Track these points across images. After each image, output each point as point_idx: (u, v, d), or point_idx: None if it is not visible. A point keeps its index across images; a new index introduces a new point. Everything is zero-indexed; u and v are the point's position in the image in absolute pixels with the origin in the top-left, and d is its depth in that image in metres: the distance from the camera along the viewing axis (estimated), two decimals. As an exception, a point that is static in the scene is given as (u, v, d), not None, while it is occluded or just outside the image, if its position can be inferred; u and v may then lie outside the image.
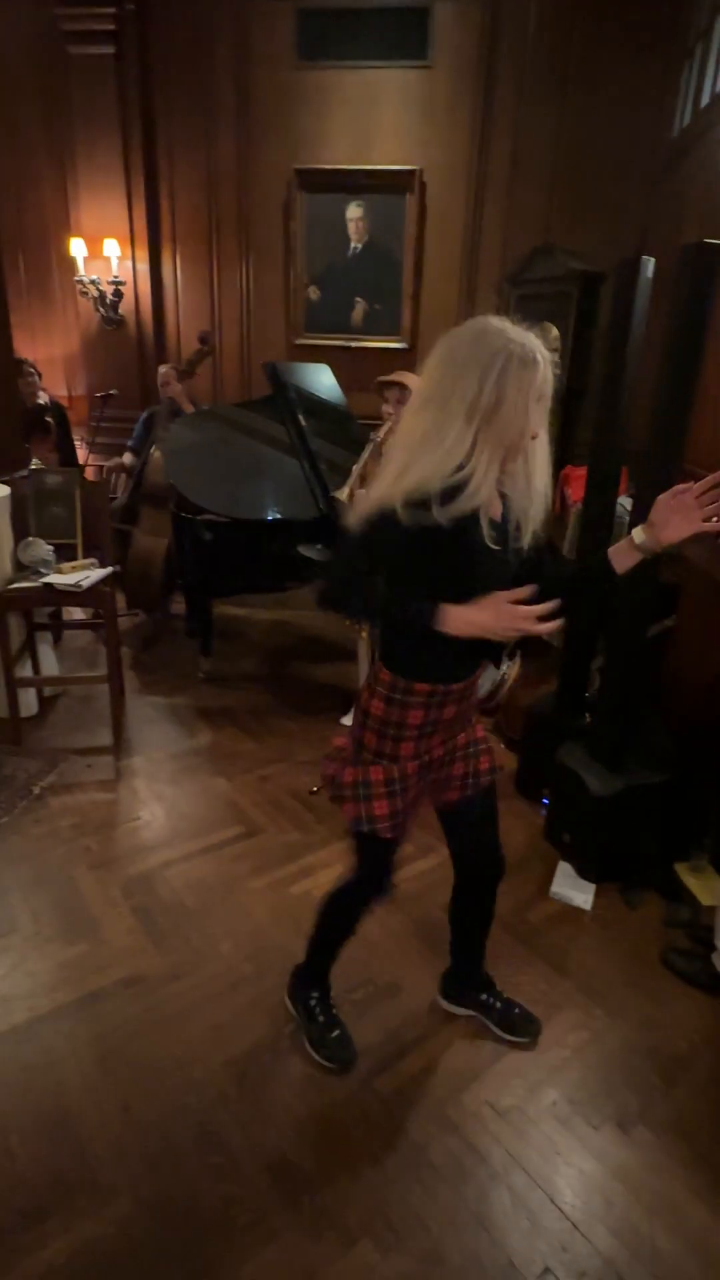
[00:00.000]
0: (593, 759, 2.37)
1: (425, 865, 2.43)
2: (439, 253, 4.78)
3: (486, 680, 3.58)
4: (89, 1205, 1.41)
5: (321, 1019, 1.75)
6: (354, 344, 4.99)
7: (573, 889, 2.31)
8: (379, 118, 4.58)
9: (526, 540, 1.35)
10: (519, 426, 1.22)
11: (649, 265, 2.11)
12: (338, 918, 1.71)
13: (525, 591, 1.25)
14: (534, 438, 1.26)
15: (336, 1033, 1.73)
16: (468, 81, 4.42)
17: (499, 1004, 1.82)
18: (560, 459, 2.34)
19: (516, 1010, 1.82)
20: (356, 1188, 1.46)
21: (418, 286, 4.85)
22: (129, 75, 4.66)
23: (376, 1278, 1.32)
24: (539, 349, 1.20)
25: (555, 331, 4.39)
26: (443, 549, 1.26)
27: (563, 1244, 1.38)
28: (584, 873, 2.36)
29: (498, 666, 1.35)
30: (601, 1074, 1.73)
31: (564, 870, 2.39)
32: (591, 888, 2.31)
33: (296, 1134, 1.56)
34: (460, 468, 1.20)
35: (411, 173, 4.58)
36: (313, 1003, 1.77)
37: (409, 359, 4.93)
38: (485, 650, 1.41)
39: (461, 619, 1.25)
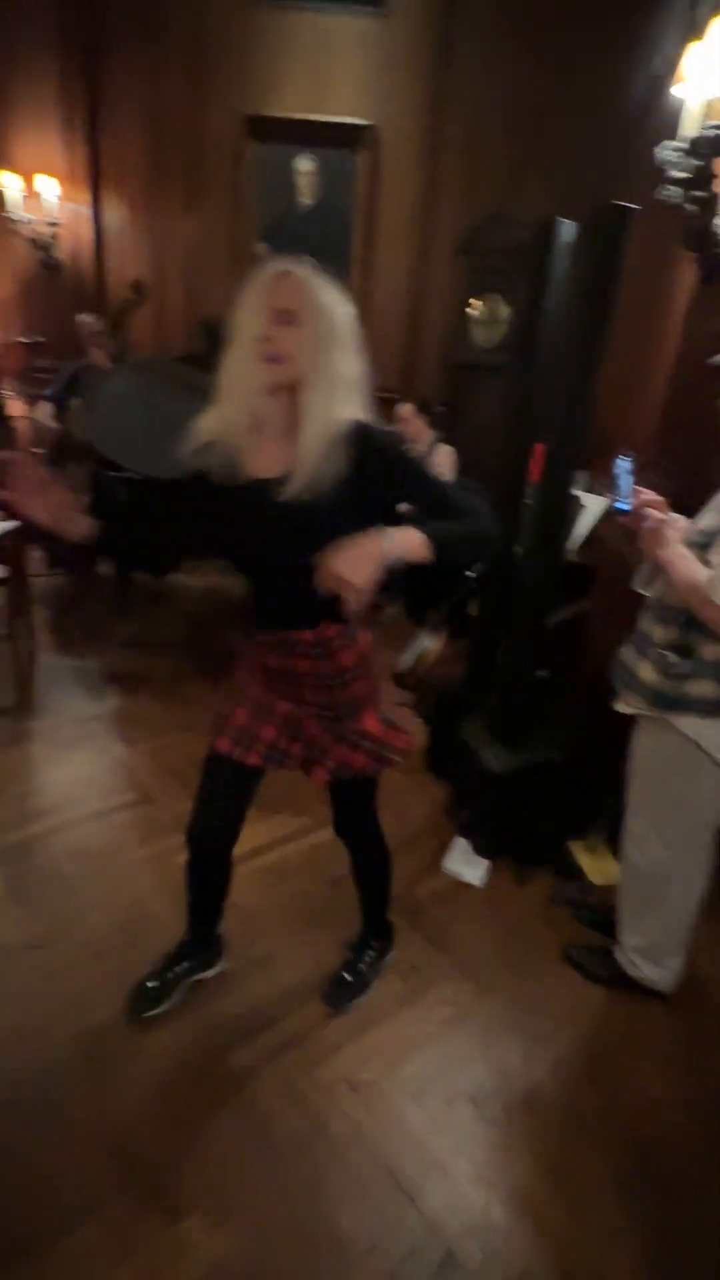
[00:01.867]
0: (493, 737, 2.35)
1: (319, 839, 2.38)
2: (392, 214, 4.63)
3: (410, 654, 3.54)
4: None
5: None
6: (302, 305, 4.84)
7: (465, 865, 2.29)
8: (333, 67, 4.39)
9: (289, 493, 1.21)
10: (247, 335, 1.18)
11: (566, 228, 2.04)
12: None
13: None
14: (261, 344, 1.17)
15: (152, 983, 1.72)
16: (425, 34, 4.26)
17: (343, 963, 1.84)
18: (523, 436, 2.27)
19: (343, 975, 1.82)
20: (192, 1164, 1.42)
21: (369, 249, 4.70)
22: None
23: (199, 1254, 1.28)
24: (282, 263, 1.19)
25: (505, 307, 4.32)
26: (198, 494, 1.28)
27: (395, 1220, 1.36)
28: (481, 850, 2.34)
29: (305, 626, 1.23)
30: (463, 1050, 1.71)
31: (459, 846, 2.36)
32: (485, 864, 2.30)
33: (140, 1109, 1.51)
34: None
35: (365, 128, 4.41)
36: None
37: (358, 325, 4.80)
38: (294, 607, 1.33)
39: None
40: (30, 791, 2.48)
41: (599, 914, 2.09)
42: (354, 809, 1.65)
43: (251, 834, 2.29)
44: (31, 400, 4.74)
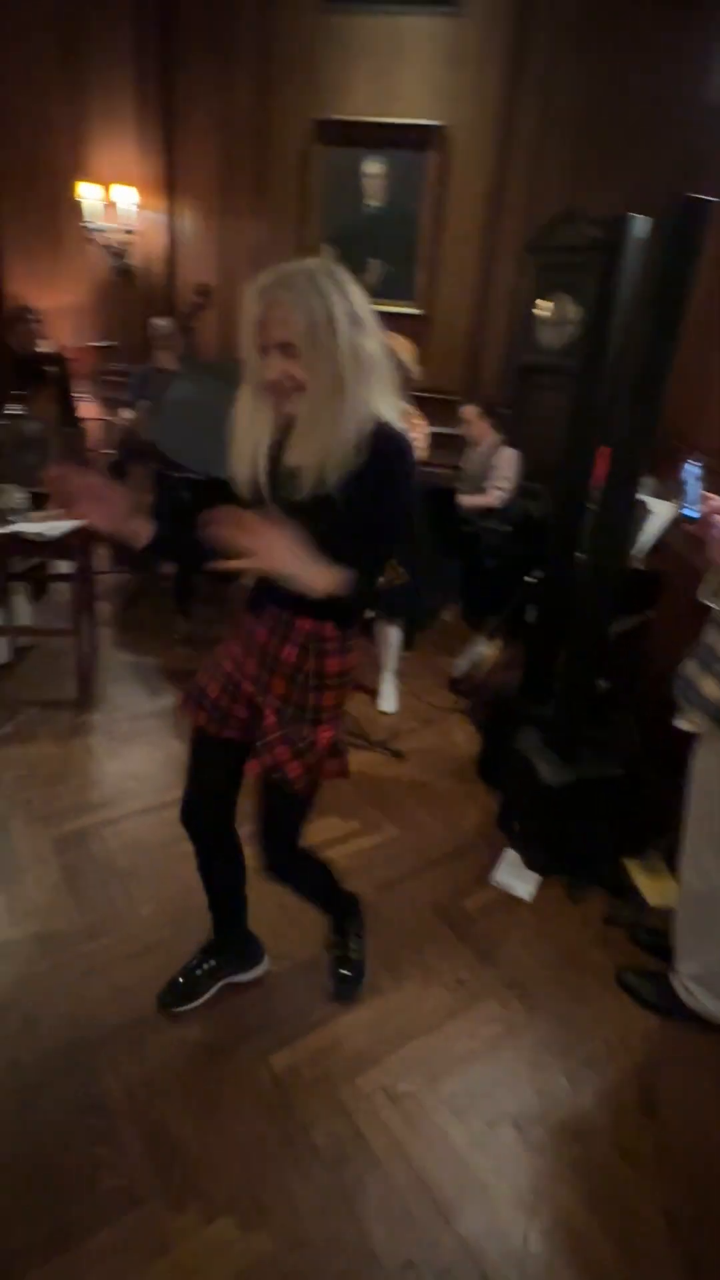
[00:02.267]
0: (547, 748, 2.28)
1: (368, 842, 2.37)
2: (460, 214, 4.57)
3: (465, 660, 3.49)
4: (-43, 1156, 1.40)
5: None
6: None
7: (515, 878, 2.23)
8: (404, 69, 4.37)
9: (301, 494, 1.18)
10: (249, 360, 1.17)
11: (640, 224, 1.97)
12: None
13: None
14: (270, 383, 1.15)
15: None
16: (499, 31, 4.18)
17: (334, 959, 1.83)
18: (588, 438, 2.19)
19: (340, 971, 1.80)
20: (231, 1163, 1.43)
21: (435, 250, 4.66)
22: (148, 13, 4.51)
23: (232, 1255, 1.28)
24: (262, 282, 1.13)
25: (574, 307, 4.21)
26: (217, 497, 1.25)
27: (432, 1238, 1.33)
28: (531, 863, 2.28)
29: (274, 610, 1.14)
30: (509, 1070, 1.67)
31: (509, 859, 2.31)
32: (535, 879, 2.24)
33: (181, 1103, 1.53)
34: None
35: (435, 128, 4.38)
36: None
37: (423, 326, 4.77)
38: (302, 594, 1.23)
39: None
40: (88, 783, 2.55)
41: (656, 937, 2.00)
42: (282, 824, 1.52)
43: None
44: (109, 404, 4.90)
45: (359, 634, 1.43)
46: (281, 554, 1.09)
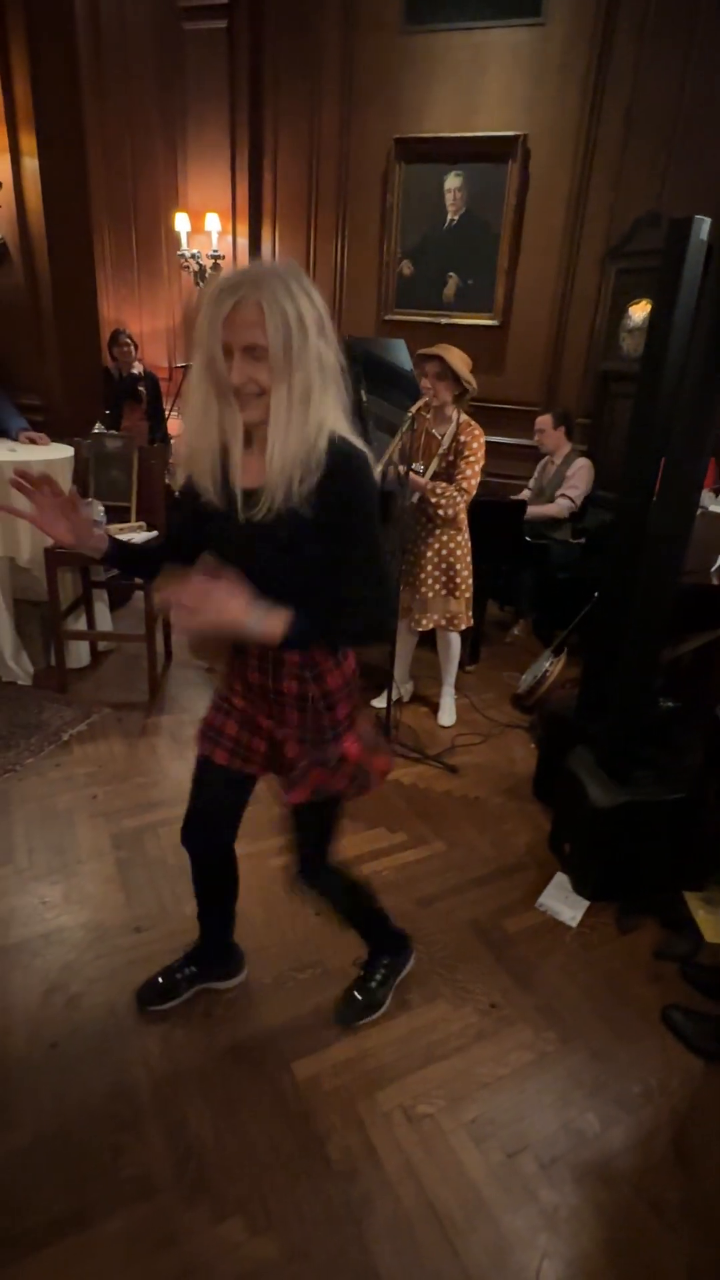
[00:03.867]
0: (600, 768, 2.20)
1: (413, 856, 2.36)
2: (539, 224, 4.51)
3: (530, 675, 3.40)
4: (-6, 1129, 1.49)
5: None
6: (444, 320, 4.84)
7: (562, 903, 2.16)
8: (484, 82, 4.37)
9: (259, 512, 1.15)
10: (213, 371, 1.10)
11: (703, 226, 1.88)
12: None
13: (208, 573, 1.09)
14: (238, 389, 1.10)
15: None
16: (583, 37, 4.11)
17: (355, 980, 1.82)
18: (651, 447, 2.11)
19: (354, 993, 1.77)
20: (245, 1165, 1.45)
21: (514, 261, 4.62)
22: (240, 48, 4.72)
23: (236, 1257, 1.30)
24: (230, 281, 1.06)
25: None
26: (183, 510, 1.28)
27: (437, 1269, 1.30)
28: (579, 887, 2.20)
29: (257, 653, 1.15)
30: (536, 1101, 1.61)
31: (558, 882, 2.24)
32: (583, 904, 2.15)
33: (203, 1101, 1.57)
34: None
35: (515, 138, 4.34)
36: None
37: (500, 337, 4.73)
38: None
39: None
40: (150, 783, 2.66)
41: (711, 976, 1.89)
42: (316, 833, 1.52)
43: (346, 845, 2.32)
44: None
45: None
46: (223, 609, 1.07)
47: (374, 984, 1.79)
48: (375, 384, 3.59)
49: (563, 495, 3.85)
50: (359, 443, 1.17)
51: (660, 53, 3.96)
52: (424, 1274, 1.29)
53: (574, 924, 2.10)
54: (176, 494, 1.33)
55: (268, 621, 1.14)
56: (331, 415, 1.15)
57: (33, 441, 3.40)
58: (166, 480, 3.35)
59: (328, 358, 1.12)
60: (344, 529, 1.18)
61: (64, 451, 3.27)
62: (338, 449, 1.14)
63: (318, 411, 1.12)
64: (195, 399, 1.15)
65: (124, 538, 3.01)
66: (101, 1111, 1.53)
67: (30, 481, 1.20)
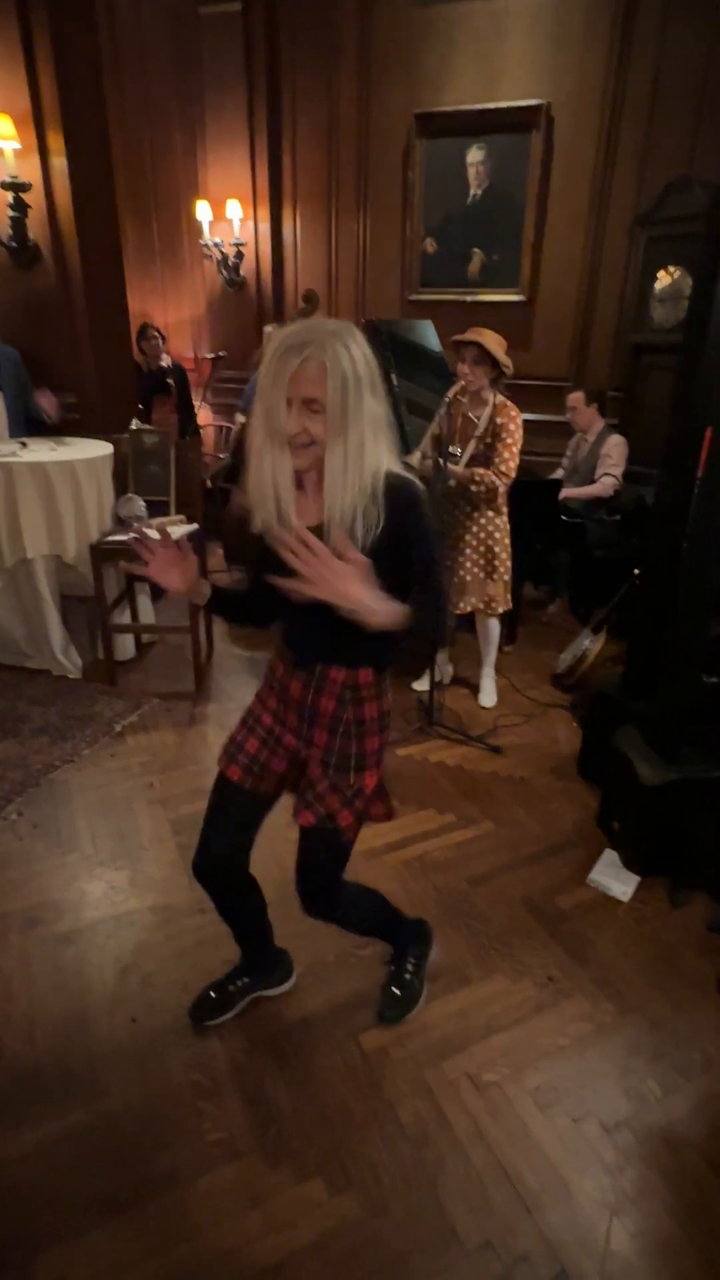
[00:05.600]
0: (648, 746, 2.22)
1: (462, 836, 2.41)
2: (565, 195, 4.44)
3: (569, 654, 3.42)
4: (84, 1098, 1.58)
5: None
6: (470, 298, 4.80)
7: (613, 879, 2.20)
8: (505, 50, 4.29)
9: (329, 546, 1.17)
10: (272, 420, 1.17)
11: (745, 196, 1.86)
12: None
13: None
14: (292, 439, 1.17)
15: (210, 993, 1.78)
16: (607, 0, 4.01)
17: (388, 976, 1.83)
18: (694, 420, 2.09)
19: (392, 990, 1.79)
20: (321, 1130, 1.53)
21: (540, 234, 4.55)
22: (256, 31, 4.68)
23: (320, 1214, 1.38)
24: (297, 339, 1.12)
25: (687, 281, 3.98)
26: (257, 550, 1.31)
27: (510, 1223, 1.37)
28: (629, 863, 2.23)
29: (306, 666, 1.17)
30: (597, 1070, 1.66)
31: (608, 858, 2.27)
32: (634, 879, 2.19)
33: (278, 1069, 1.65)
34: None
35: (538, 107, 4.26)
36: None
37: (527, 312, 4.68)
38: (333, 645, 1.33)
39: None
40: (202, 770, 2.74)
41: (765, 947, 1.92)
42: (324, 869, 1.54)
43: (396, 827, 2.39)
44: (222, 411, 5.16)
45: (393, 677, 1.45)
46: (346, 582, 1.12)
47: (408, 976, 1.81)
48: (404, 367, 3.60)
49: (607, 474, 3.82)
50: (409, 474, 1.26)
51: (687, 11, 3.85)
52: (498, 1230, 1.36)
53: (625, 899, 2.14)
54: (251, 533, 1.34)
55: (389, 609, 1.18)
56: (385, 460, 1.22)
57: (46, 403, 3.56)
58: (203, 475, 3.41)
59: (379, 412, 1.20)
60: (404, 556, 1.24)
61: (104, 449, 3.33)
62: (391, 485, 1.22)
63: (371, 461, 1.19)
64: (253, 445, 1.24)
65: (172, 530, 3.11)
66: (183, 1080, 1.62)
67: (148, 545, 1.32)
